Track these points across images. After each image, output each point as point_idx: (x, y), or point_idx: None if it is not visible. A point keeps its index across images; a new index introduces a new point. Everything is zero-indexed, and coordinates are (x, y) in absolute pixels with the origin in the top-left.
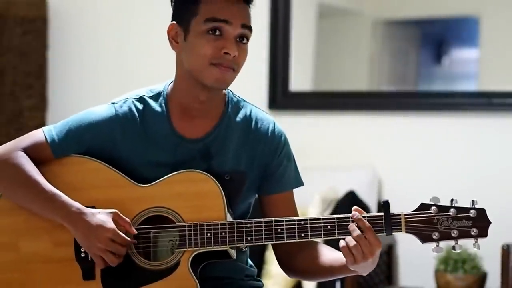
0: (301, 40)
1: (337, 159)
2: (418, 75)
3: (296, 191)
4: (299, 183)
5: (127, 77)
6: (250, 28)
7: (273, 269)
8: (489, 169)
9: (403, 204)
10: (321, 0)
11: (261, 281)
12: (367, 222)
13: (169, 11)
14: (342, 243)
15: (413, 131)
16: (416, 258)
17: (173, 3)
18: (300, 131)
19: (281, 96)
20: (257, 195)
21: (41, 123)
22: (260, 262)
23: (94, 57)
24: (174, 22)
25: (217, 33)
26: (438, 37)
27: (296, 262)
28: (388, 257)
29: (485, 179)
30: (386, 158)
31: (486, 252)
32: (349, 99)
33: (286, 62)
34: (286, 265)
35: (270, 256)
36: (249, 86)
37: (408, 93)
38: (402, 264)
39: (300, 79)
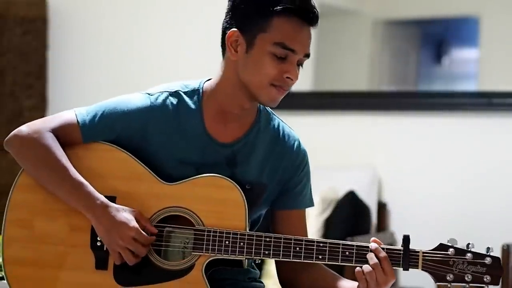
0: None
1: (337, 159)
2: (418, 75)
3: None
4: (312, 203)
5: (127, 76)
6: (309, 56)
7: (273, 269)
8: (489, 169)
9: (403, 204)
10: (321, 0)
11: (262, 283)
12: (384, 252)
13: (169, 11)
14: (358, 268)
15: (413, 131)
16: None
17: (236, 10)
18: (300, 131)
19: None
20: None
21: None
22: (260, 262)
23: (94, 57)
24: (237, 30)
25: (283, 57)
26: (438, 37)
27: (299, 280)
28: None
29: (485, 179)
30: (386, 158)
31: None
32: (349, 99)
33: None
34: (287, 282)
35: None
36: None
37: (408, 93)
38: None
39: (300, 79)
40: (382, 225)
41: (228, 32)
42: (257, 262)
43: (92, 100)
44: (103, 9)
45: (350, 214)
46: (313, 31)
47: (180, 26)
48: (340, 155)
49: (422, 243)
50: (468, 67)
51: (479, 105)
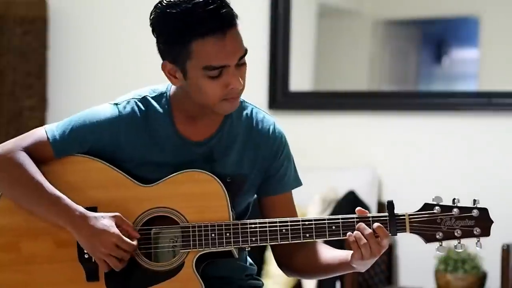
0: (301, 40)
1: (337, 159)
2: (418, 75)
3: (296, 191)
4: (298, 183)
5: (127, 77)
6: (246, 53)
7: (273, 269)
8: (489, 169)
9: (403, 204)
10: (321, 0)
11: (260, 280)
12: (386, 230)
13: None
14: (351, 237)
15: (413, 131)
16: (416, 258)
17: (159, 39)
18: (300, 131)
19: (281, 96)
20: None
21: (41, 123)
22: (260, 262)
23: (94, 57)
24: (167, 61)
25: (218, 74)
26: (438, 37)
27: (295, 261)
28: (388, 257)
29: (485, 179)
30: (386, 158)
31: (486, 252)
32: (349, 99)
33: (286, 62)
34: (284, 265)
35: (270, 256)
36: (249, 86)
37: (408, 93)
38: (402, 264)
39: (300, 79)
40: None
41: (162, 63)
42: (247, 249)
43: (92, 100)
44: (103, 9)
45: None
46: (313, 31)
47: None
48: (340, 155)
49: (422, 242)
50: (468, 67)
51: (479, 105)
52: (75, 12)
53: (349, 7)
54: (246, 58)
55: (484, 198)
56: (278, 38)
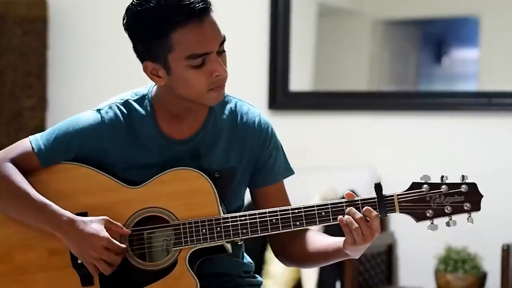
0: (301, 40)
1: (337, 159)
2: (418, 75)
3: (297, 191)
4: (290, 171)
5: (127, 77)
6: (224, 40)
7: (273, 269)
8: (489, 169)
9: None
10: (321, 0)
11: (259, 277)
12: (374, 211)
13: None
14: (342, 220)
15: (413, 131)
16: (416, 258)
17: (135, 41)
18: (300, 131)
19: (281, 96)
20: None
21: (41, 123)
22: (260, 262)
23: (94, 57)
24: (148, 61)
25: (202, 62)
26: (438, 37)
27: (291, 250)
28: (388, 257)
29: (485, 179)
30: (386, 158)
31: (486, 252)
32: (349, 99)
33: (286, 62)
34: (281, 255)
35: (270, 256)
36: (249, 86)
37: (408, 93)
38: (402, 264)
39: (300, 79)
40: (382, 225)
41: (142, 65)
42: (239, 243)
43: (92, 100)
44: (103, 9)
45: None
46: (313, 31)
47: None
48: (340, 155)
49: (422, 242)
50: (468, 67)
51: (479, 105)
52: (75, 12)
53: (349, 7)
54: (246, 57)
55: (484, 198)
56: (278, 38)
